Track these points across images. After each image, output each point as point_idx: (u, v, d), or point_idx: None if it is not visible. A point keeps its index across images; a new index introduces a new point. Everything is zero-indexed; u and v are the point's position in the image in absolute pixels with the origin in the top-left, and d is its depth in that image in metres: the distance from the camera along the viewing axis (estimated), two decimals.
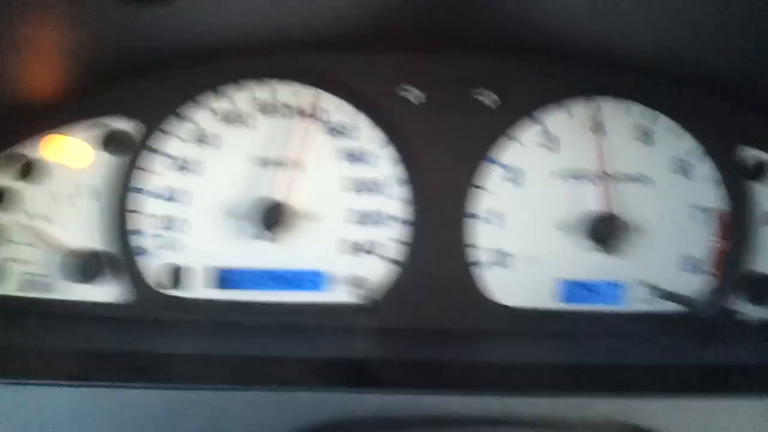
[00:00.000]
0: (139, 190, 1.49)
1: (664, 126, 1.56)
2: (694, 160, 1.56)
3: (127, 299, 1.49)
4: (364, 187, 1.53)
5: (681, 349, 1.43)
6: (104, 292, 1.49)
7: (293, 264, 1.53)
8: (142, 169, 1.49)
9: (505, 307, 1.54)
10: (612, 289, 1.55)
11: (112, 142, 1.49)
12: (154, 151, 1.49)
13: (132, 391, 1.10)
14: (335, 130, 1.53)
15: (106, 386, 1.10)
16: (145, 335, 1.42)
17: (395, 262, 1.53)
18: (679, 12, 1.23)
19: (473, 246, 1.53)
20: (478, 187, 1.54)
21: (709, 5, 1.19)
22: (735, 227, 1.56)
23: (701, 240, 1.56)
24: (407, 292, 1.52)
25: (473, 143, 1.54)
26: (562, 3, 1.28)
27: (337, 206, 1.53)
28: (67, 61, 1.36)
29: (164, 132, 1.49)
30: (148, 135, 1.49)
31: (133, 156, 1.49)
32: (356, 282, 1.52)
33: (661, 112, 1.56)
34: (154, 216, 1.50)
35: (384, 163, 1.54)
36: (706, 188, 1.56)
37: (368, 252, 1.54)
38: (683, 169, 1.56)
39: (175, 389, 1.10)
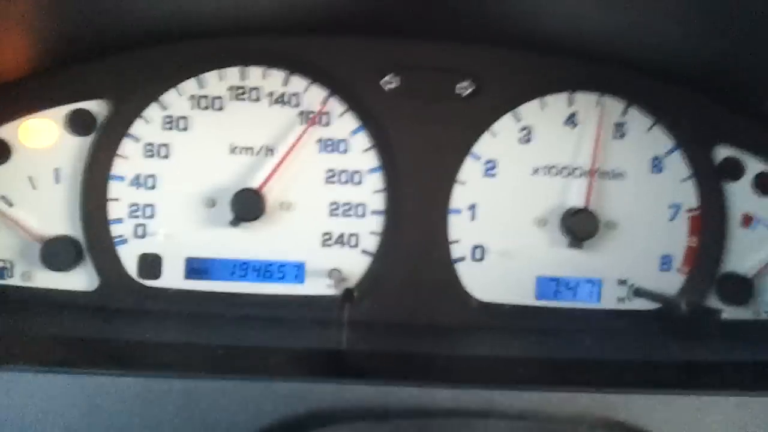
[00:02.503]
0: (109, 175, 1.45)
1: (640, 122, 1.55)
2: (669, 158, 1.56)
3: (97, 288, 1.45)
4: (340, 176, 1.50)
5: (656, 345, 1.42)
6: (73, 279, 1.45)
7: (269, 255, 1.49)
8: (111, 152, 1.45)
9: (482, 302, 1.51)
10: (588, 286, 1.54)
11: (77, 122, 1.44)
12: (123, 133, 1.45)
13: (106, 379, 1.05)
14: (308, 117, 1.49)
15: (80, 373, 1.05)
16: (116, 324, 1.38)
17: (372, 253, 1.50)
18: (660, 7, 1.22)
19: (450, 239, 1.51)
20: (454, 178, 1.51)
21: (691, 2, 1.18)
22: (710, 226, 1.55)
23: (676, 238, 1.55)
24: (384, 284, 1.49)
25: (450, 133, 1.51)
26: None
27: (314, 196, 1.50)
28: (35, 36, 1.31)
29: (133, 114, 1.45)
30: (115, 116, 1.44)
31: (100, 138, 1.44)
32: (333, 274, 1.49)
33: (639, 108, 1.55)
34: (123, 202, 1.46)
35: (359, 151, 1.51)
36: (680, 186, 1.56)
37: (345, 243, 1.50)
38: (659, 166, 1.55)
39: (150, 377, 1.06)
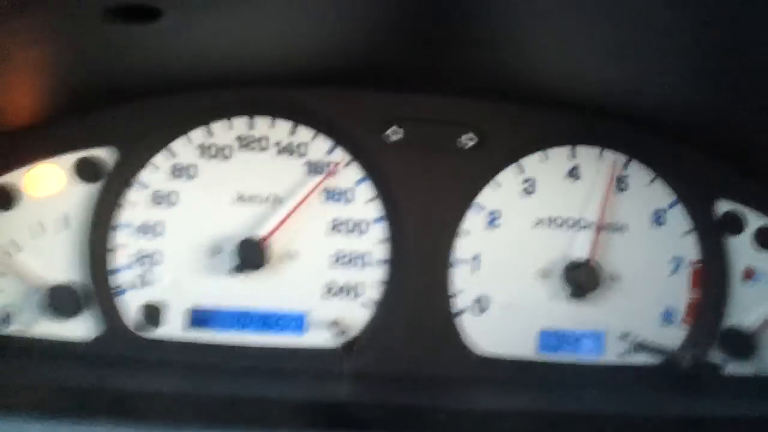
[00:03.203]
0: (114, 222, 1.46)
1: (641, 176, 1.57)
2: (670, 211, 1.57)
3: (98, 336, 1.44)
4: (344, 226, 1.51)
5: (659, 400, 1.42)
6: (76, 327, 1.44)
7: (271, 304, 1.49)
8: (117, 200, 1.46)
9: (483, 355, 1.51)
10: (591, 339, 1.53)
11: (86, 170, 1.45)
12: (129, 181, 1.46)
13: (105, 429, 1.05)
14: (315, 167, 1.51)
15: (79, 422, 1.05)
16: (117, 373, 1.37)
17: (375, 304, 1.51)
18: (659, 63, 1.24)
19: (452, 290, 1.51)
20: (456, 230, 1.52)
21: (688, 59, 1.20)
22: (711, 280, 1.56)
23: (678, 291, 1.56)
24: (386, 335, 1.49)
25: (453, 185, 1.53)
26: (544, 52, 1.29)
27: (317, 246, 1.51)
28: (45, 83, 1.33)
29: (140, 162, 1.47)
30: (123, 163, 1.46)
31: (107, 185, 1.46)
32: (335, 325, 1.48)
33: (640, 161, 1.57)
34: (129, 250, 1.46)
35: (363, 201, 1.52)
36: (682, 239, 1.56)
37: (348, 294, 1.51)
38: (660, 219, 1.57)
39: (150, 428, 1.06)
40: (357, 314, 1.50)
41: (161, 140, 1.48)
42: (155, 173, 1.47)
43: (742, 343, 1.53)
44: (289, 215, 1.48)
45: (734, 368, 1.52)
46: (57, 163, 1.45)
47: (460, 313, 1.51)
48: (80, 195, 1.46)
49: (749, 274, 1.58)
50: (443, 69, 1.42)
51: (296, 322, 1.49)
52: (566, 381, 1.50)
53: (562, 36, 1.20)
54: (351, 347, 1.34)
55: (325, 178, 1.50)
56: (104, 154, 1.46)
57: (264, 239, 1.45)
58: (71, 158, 1.46)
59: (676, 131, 1.55)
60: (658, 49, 1.18)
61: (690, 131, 1.54)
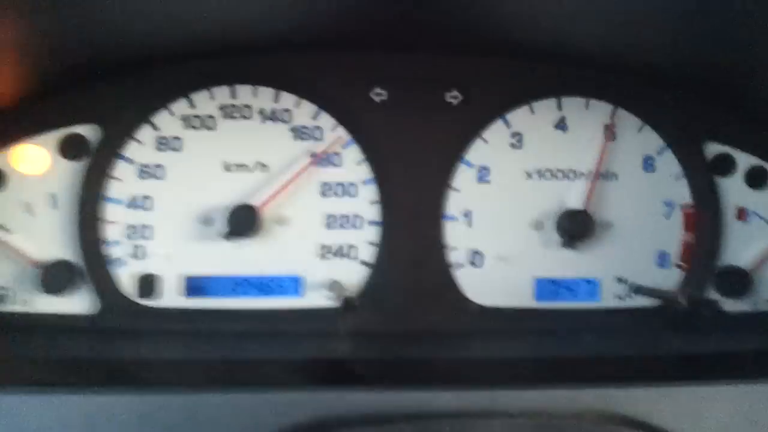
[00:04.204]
0: (104, 198, 1.45)
1: (630, 123, 1.57)
2: (660, 156, 1.56)
3: (95, 310, 1.44)
4: (335, 189, 1.51)
5: (657, 340, 1.42)
6: (73, 303, 1.44)
7: (267, 270, 1.49)
8: (105, 176, 1.45)
9: (481, 306, 1.51)
10: (586, 286, 1.54)
11: (70, 147, 1.45)
12: (115, 156, 1.46)
13: (107, 398, 1.05)
14: (300, 132, 1.50)
15: (80, 392, 1.05)
16: (117, 345, 1.37)
17: (370, 264, 1.51)
18: (641, 9, 1.23)
19: (446, 246, 1.51)
20: (447, 186, 1.52)
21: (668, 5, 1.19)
22: (703, 221, 1.56)
23: (672, 234, 1.56)
24: (384, 293, 1.49)
25: (440, 143, 1.52)
26: (525, 5, 1.28)
27: (310, 210, 1.50)
28: (26, 63, 1.32)
29: (125, 136, 1.46)
30: (107, 139, 1.45)
31: (94, 161, 1.45)
32: (332, 286, 1.48)
33: (626, 109, 1.57)
34: (119, 225, 1.46)
35: (352, 164, 1.52)
36: (673, 184, 1.56)
37: (343, 255, 1.51)
38: (650, 165, 1.56)
39: (152, 393, 1.06)
40: (354, 274, 1.50)
41: (143, 114, 1.47)
42: (140, 148, 1.47)
43: (737, 282, 1.54)
44: (286, 186, 1.48)
45: (731, 306, 1.53)
46: (41, 142, 1.45)
47: (455, 267, 1.52)
48: (67, 172, 1.45)
49: (742, 214, 1.58)
50: (424, 26, 1.41)
51: (293, 285, 1.49)
52: (565, 327, 1.51)
53: None
54: (350, 306, 1.34)
55: (317, 159, 1.50)
56: (88, 131, 1.45)
57: (256, 206, 1.45)
58: (55, 136, 1.45)
59: (662, 76, 1.54)
60: None
61: (675, 75, 1.53)
